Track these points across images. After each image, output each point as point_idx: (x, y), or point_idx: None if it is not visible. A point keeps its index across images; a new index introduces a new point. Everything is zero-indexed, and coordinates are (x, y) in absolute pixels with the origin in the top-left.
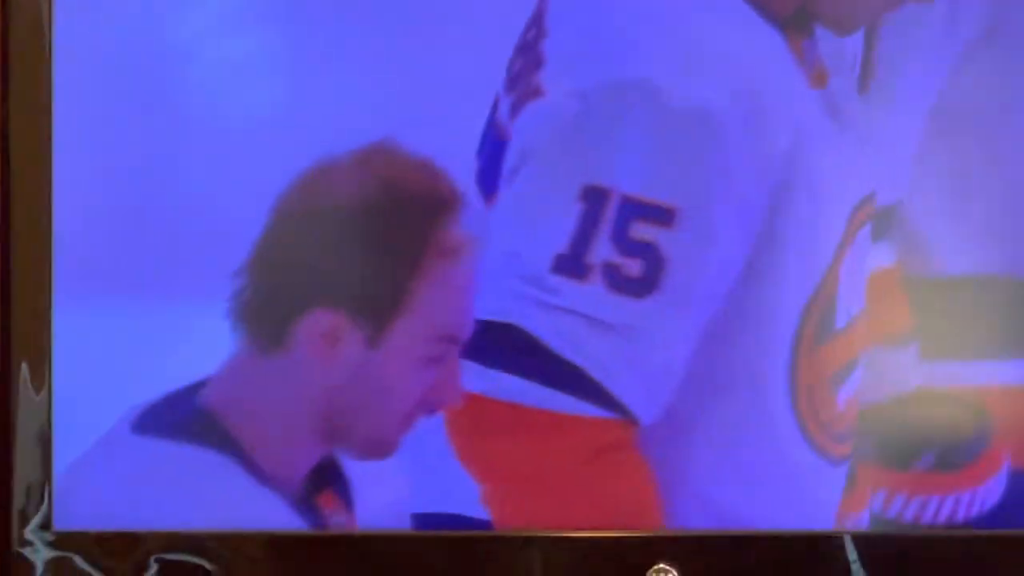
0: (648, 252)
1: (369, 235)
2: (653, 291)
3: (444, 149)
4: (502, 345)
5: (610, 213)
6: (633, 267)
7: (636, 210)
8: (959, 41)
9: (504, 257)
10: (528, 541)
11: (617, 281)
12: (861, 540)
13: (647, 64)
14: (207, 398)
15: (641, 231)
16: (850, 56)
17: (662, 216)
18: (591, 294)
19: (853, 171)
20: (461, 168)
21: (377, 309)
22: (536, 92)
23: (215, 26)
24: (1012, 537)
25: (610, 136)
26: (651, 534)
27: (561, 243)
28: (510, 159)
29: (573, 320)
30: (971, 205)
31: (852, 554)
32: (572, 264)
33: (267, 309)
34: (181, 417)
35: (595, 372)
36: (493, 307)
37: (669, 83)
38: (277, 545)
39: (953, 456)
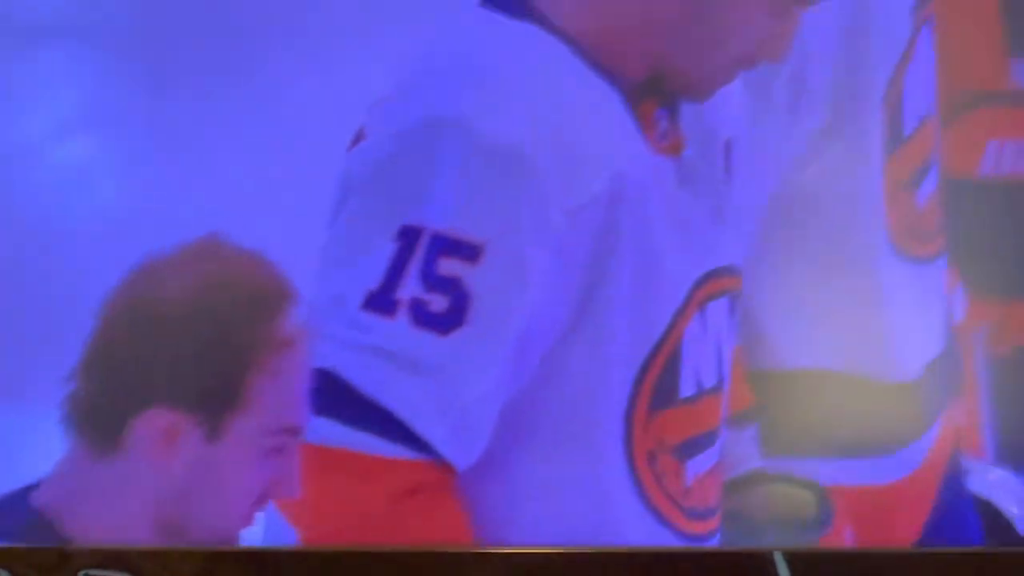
0: (454, 288)
1: (201, 330)
2: (459, 326)
3: (273, 241)
4: (315, 390)
5: (420, 250)
6: (439, 303)
7: (444, 246)
8: (801, 130)
9: (320, 301)
10: (480, 557)
11: (423, 316)
12: (792, 557)
13: (459, 103)
14: (39, 499)
15: (448, 267)
16: (722, 141)
17: (469, 252)
18: (397, 329)
19: (703, 242)
20: (291, 259)
21: (214, 404)
22: (360, 136)
23: (43, 131)
24: (947, 554)
25: (424, 174)
26: (577, 550)
27: (374, 281)
28: (331, 204)
29: (382, 359)
30: (811, 298)
31: (784, 572)
32: (381, 301)
33: (101, 410)
34: (15, 519)
35: (403, 414)
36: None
37: (481, 121)
38: (212, 562)
39: (795, 539)
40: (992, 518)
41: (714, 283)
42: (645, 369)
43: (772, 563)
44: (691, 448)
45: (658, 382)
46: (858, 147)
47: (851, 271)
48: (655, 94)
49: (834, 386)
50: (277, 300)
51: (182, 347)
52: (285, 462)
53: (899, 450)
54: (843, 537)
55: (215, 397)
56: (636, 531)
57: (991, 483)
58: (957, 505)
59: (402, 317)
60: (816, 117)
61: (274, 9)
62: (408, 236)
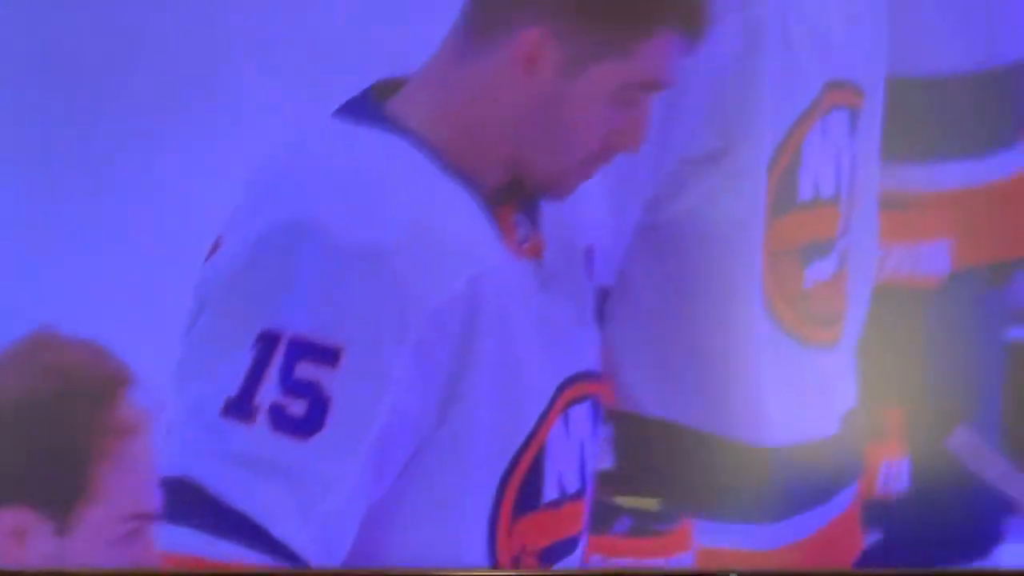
0: (313, 391)
1: (40, 425)
2: (318, 430)
3: (105, 328)
4: (174, 498)
5: (279, 355)
6: (298, 407)
7: (302, 350)
8: (673, 156)
9: (178, 410)
10: None
11: (282, 421)
12: None
13: (315, 207)
14: None
15: (306, 371)
16: (582, 245)
17: (327, 356)
18: (256, 435)
19: (566, 345)
20: (126, 344)
21: (59, 497)
22: (217, 245)
23: None
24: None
25: (282, 279)
26: (534, 574)
27: (233, 388)
28: (189, 314)
29: (241, 465)
30: (671, 346)
31: None
32: (240, 407)
33: None
34: None
35: (263, 520)
36: (165, 461)
37: (337, 224)
38: None
39: (648, 523)
40: None
41: (578, 387)
42: (509, 473)
43: None
44: (554, 553)
45: (522, 486)
46: (740, 186)
47: (717, 318)
48: (513, 198)
49: (685, 441)
50: (114, 385)
51: (20, 443)
52: (140, 548)
53: (761, 520)
54: (689, 539)
55: (60, 490)
56: None
57: None
58: None
59: (261, 422)
60: (696, 144)
61: (139, 111)
62: (266, 341)
